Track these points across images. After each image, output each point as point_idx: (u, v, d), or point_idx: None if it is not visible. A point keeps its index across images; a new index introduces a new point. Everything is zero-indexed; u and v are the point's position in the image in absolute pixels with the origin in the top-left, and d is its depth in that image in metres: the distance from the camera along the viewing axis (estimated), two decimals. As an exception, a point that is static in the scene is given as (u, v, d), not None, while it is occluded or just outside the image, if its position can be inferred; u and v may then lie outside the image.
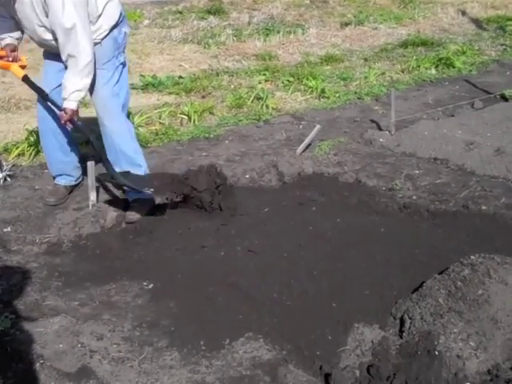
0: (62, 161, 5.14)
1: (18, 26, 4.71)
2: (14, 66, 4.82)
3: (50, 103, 4.76)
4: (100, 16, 4.58)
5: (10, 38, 4.79)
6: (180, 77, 8.19)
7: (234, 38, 10.06)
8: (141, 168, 4.91)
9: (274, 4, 12.11)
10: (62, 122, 4.65)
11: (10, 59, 4.78)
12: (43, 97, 4.78)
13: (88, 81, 4.53)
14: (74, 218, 4.83)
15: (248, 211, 4.88)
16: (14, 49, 4.80)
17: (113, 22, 4.67)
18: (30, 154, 5.94)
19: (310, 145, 5.97)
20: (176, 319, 3.71)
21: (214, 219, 4.73)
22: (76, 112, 4.65)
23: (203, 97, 7.61)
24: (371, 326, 3.60)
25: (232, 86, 7.97)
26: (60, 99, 4.63)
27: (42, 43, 4.72)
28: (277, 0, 12.36)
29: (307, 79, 7.91)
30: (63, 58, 4.49)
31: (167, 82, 7.90)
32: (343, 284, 3.95)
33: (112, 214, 4.84)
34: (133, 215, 4.81)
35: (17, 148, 5.99)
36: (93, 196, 4.94)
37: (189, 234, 4.58)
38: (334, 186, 5.32)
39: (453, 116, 6.75)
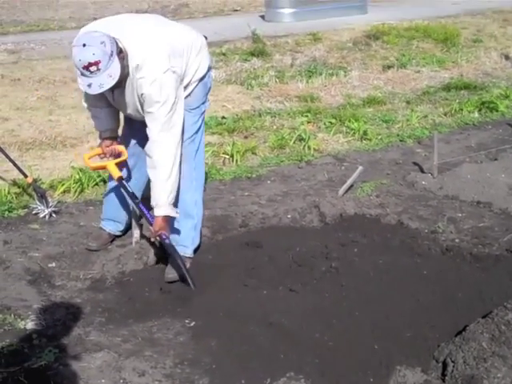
0: (119, 207, 5.02)
1: (115, 115, 4.68)
2: (111, 165, 4.64)
3: (137, 209, 4.65)
4: (193, 76, 4.49)
5: (110, 130, 4.70)
6: (223, 117, 8.28)
7: (277, 80, 10.14)
8: (193, 220, 4.71)
9: (316, 46, 12.21)
10: (153, 235, 4.45)
11: (108, 156, 4.67)
12: (134, 202, 4.64)
13: (176, 180, 4.37)
14: (118, 254, 4.89)
15: (289, 251, 4.89)
16: (113, 142, 4.69)
17: (204, 72, 4.57)
18: (75, 191, 6.03)
19: (352, 186, 5.98)
20: (217, 357, 3.71)
21: (256, 258, 4.75)
22: (167, 222, 4.42)
23: (246, 137, 7.67)
24: (413, 369, 3.57)
25: (274, 127, 8.02)
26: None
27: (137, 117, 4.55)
28: (319, 42, 12.47)
29: (349, 121, 7.94)
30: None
31: (210, 122, 7.99)
32: (385, 325, 3.94)
33: (155, 251, 4.89)
34: (173, 274, 4.57)
35: (62, 185, 6.08)
36: (136, 233, 4.99)
37: (230, 273, 4.60)
38: (376, 228, 5.30)
39: (496, 160, 6.71)
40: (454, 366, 3.48)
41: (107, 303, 4.34)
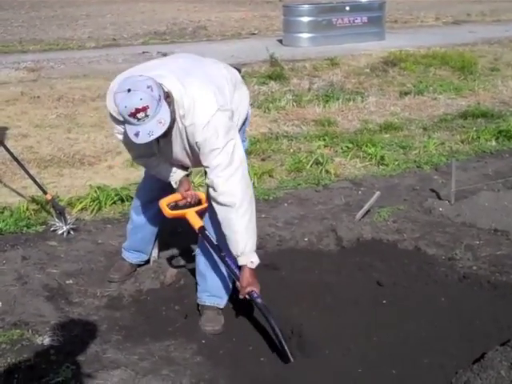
0: (145, 240, 4.90)
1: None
2: (191, 214, 4.24)
3: (223, 262, 4.13)
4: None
5: (178, 172, 4.28)
6: (240, 139, 8.30)
7: (294, 104, 10.18)
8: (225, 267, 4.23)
9: (334, 71, 12.25)
10: (242, 294, 3.97)
11: (189, 200, 4.27)
12: (219, 255, 4.12)
13: (254, 220, 4.00)
14: (135, 273, 4.91)
15: (306, 274, 4.89)
16: (189, 187, 4.32)
17: (246, 109, 4.39)
18: (93, 209, 6.06)
19: (369, 211, 5.98)
20: (234, 379, 3.72)
21: (273, 281, 4.76)
22: (256, 276, 3.98)
23: (263, 159, 7.70)
24: (431, 396, 3.56)
25: (291, 150, 8.04)
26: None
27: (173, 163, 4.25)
28: (337, 68, 12.52)
29: (366, 146, 7.95)
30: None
31: (228, 144, 8.00)
32: (403, 352, 3.93)
33: (172, 270, 4.91)
34: (211, 327, 4.26)
35: (80, 202, 6.13)
36: (154, 252, 5.02)
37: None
38: (393, 253, 5.29)
39: (513, 188, 6.71)
40: (471, 394, 3.47)
41: (124, 321, 4.34)
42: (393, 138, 8.62)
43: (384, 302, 4.48)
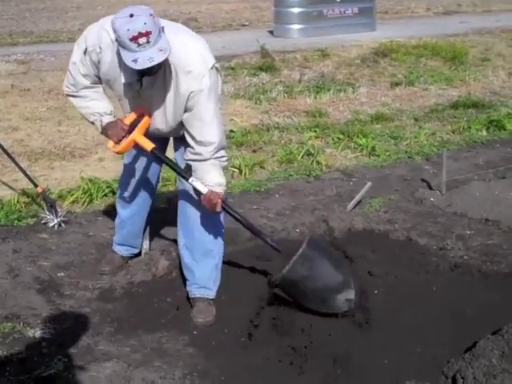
0: (134, 233, 4.88)
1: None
2: (139, 137, 4.06)
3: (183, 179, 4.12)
4: None
5: (110, 113, 4.19)
6: (231, 131, 8.29)
7: (285, 95, 10.16)
8: (213, 260, 4.37)
9: (325, 62, 12.23)
10: (210, 205, 3.96)
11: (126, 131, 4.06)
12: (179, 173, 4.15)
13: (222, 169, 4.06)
14: (127, 265, 4.90)
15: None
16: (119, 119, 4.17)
17: None
18: (84, 201, 6.04)
19: (360, 201, 5.99)
20: (226, 369, 3.73)
21: (265, 271, 4.76)
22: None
23: (254, 151, 7.69)
24: (423, 385, 3.57)
25: (282, 142, 8.03)
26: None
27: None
28: (328, 59, 12.50)
29: (357, 137, 7.94)
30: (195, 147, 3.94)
31: (219, 135, 7.99)
32: (395, 341, 3.94)
33: (164, 262, 4.89)
34: (203, 318, 4.27)
35: (71, 195, 6.10)
36: (145, 244, 5.01)
37: (240, 285, 4.59)
38: (384, 243, 5.29)
39: (504, 178, 6.71)
40: (463, 382, 3.48)
41: (116, 313, 4.34)
42: (384, 128, 8.62)
43: (375, 292, 4.48)
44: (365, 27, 16.12)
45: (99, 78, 4.08)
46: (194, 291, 4.38)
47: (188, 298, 4.43)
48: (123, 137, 4.04)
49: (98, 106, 4.17)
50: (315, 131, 8.34)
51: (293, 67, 11.91)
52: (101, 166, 7.06)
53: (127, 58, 3.55)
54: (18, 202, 5.87)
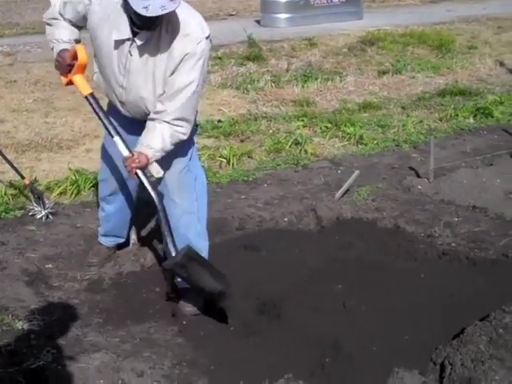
0: (119, 224, 4.81)
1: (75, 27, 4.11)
2: (78, 79, 4.01)
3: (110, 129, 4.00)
4: None
5: (69, 42, 4.08)
6: (219, 121, 8.28)
7: (273, 84, 10.14)
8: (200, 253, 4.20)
9: (312, 52, 12.22)
10: (129, 167, 3.84)
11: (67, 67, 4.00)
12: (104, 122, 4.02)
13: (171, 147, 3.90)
14: (115, 256, 4.90)
15: (286, 254, 4.91)
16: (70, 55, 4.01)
17: None
18: (72, 192, 6.02)
19: (348, 190, 5.99)
20: (215, 358, 3.73)
21: (253, 261, 4.76)
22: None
23: (242, 141, 7.68)
24: (411, 371, 3.57)
25: (270, 131, 8.02)
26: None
27: (127, 100, 4.01)
28: (315, 48, 12.49)
29: (345, 126, 7.94)
30: (165, 117, 3.83)
31: (206, 125, 7.98)
32: (383, 328, 3.96)
33: (152, 253, 4.89)
34: (190, 307, 4.26)
35: (59, 187, 6.07)
36: (134, 235, 5.00)
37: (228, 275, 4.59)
38: (372, 231, 5.32)
39: (491, 165, 6.72)
40: (451, 369, 3.50)
41: (105, 304, 4.34)
42: (371, 117, 8.61)
43: (364, 279, 4.49)
44: (352, 16, 16.07)
45: (77, 26, 4.09)
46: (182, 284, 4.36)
47: (177, 289, 4.43)
48: (66, 73, 4.02)
49: (60, 33, 4.10)
50: (303, 120, 8.34)
51: (280, 56, 11.88)
52: (88, 158, 7.02)
53: (137, 4, 3.46)
54: (5, 194, 5.83)
